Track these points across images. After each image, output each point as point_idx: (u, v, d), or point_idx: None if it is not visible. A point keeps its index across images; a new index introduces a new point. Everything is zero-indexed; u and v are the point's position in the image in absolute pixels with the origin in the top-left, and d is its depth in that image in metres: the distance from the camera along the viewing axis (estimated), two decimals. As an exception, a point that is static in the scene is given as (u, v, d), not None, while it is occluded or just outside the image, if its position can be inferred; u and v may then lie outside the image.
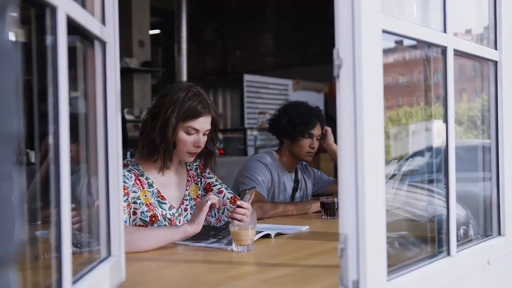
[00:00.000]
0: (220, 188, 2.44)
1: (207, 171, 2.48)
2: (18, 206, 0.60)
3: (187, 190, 2.40)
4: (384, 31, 1.27)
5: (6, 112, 0.59)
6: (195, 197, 2.42)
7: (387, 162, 1.36)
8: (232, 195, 2.43)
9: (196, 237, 2.06)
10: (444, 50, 1.54)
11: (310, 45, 9.59)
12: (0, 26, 0.58)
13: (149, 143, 2.25)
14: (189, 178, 2.43)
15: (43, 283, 1.13)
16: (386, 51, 1.30)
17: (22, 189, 0.63)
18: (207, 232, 2.16)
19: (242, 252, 1.89)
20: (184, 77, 9.05)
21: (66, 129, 1.04)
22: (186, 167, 2.45)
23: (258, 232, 2.09)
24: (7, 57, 0.59)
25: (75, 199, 1.15)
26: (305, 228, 2.40)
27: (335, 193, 3.05)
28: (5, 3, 0.59)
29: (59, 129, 1.03)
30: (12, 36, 0.61)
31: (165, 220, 2.26)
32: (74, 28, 1.15)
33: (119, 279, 1.44)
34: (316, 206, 2.89)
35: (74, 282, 1.12)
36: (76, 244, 1.32)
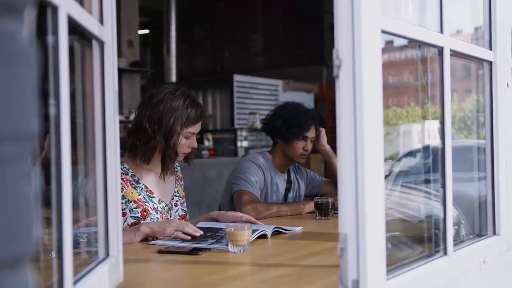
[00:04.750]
0: (178, 201, 2.52)
1: (182, 180, 2.59)
2: (35, 206, 0.60)
3: (176, 187, 2.49)
4: (383, 31, 1.27)
5: (25, 112, 0.58)
6: (182, 195, 2.53)
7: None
8: (183, 214, 2.52)
9: (194, 239, 2.06)
10: (441, 50, 1.55)
11: (300, 45, 9.62)
12: (18, 25, 0.58)
13: (150, 149, 2.31)
14: (176, 178, 2.53)
15: (42, 283, 1.12)
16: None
17: (39, 189, 0.63)
18: (204, 233, 2.15)
19: (238, 252, 1.88)
20: (173, 78, 9.04)
21: (67, 128, 1.03)
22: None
23: (254, 231, 2.08)
24: (26, 57, 0.59)
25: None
26: (299, 229, 2.40)
27: (328, 194, 3.06)
28: (23, 3, 0.59)
29: (60, 129, 1.02)
30: (30, 35, 0.61)
31: (156, 213, 2.33)
32: (72, 27, 1.15)
33: (117, 280, 1.43)
34: (309, 206, 2.90)
35: (75, 283, 1.11)
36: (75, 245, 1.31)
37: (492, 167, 1.87)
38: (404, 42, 1.59)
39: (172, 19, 9.06)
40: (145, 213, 2.28)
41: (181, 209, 2.48)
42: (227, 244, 1.95)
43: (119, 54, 7.72)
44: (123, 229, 2.20)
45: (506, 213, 1.88)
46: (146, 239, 2.13)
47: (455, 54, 1.63)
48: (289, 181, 3.21)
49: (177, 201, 2.47)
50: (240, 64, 10.02)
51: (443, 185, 1.57)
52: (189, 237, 2.07)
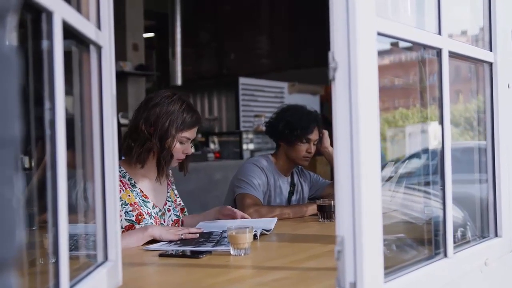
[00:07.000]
0: (171, 207, 2.52)
1: (173, 183, 2.61)
2: (18, 210, 0.61)
3: (168, 192, 2.52)
4: (379, 34, 1.27)
5: (7, 117, 0.59)
6: (174, 199, 2.55)
7: (384, 164, 1.36)
8: (176, 219, 2.53)
9: (189, 244, 2.06)
10: (439, 52, 1.55)
11: (305, 47, 9.60)
12: (1, 32, 0.58)
13: (146, 151, 2.33)
14: (169, 182, 2.56)
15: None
16: (382, 53, 1.31)
17: (22, 193, 0.63)
18: (196, 239, 2.15)
19: (239, 255, 1.88)
20: (179, 81, 9.04)
21: (62, 133, 1.04)
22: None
23: None
24: (8, 63, 0.59)
25: (71, 204, 1.14)
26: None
27: (331, 196, 3.05)
28: (5, 8, 0.59)
29: (55, 133, 1.02)
30: (12, 41, 0.61)
31: (150, 218, 2.34)
32: (69, 32, 1.15)
33: (116, 283, 1.44)
34: (312, 209, 2.89)
35: (72, 286, 1.12)
36: (72, 248, 1.31)
37: (494, 169, 1.86)
38: (408, 43, 1.59)
39: (177, 22, 9.07)
40: (139, 217, 2.30)
41: (174, 214, 2.51)
42: (228, 246, 1.94)
43: (124, 58, 7.74)
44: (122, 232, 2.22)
45: (508, 215, 1.87)
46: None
47: (454, 55, 1.63)
48: (292, 184, 3.20)
49: (169, 206, 2.50)
50: (246, 66, 10.02)
51: (443, 186, 1.56)
52: (197, 235, 2.19)
